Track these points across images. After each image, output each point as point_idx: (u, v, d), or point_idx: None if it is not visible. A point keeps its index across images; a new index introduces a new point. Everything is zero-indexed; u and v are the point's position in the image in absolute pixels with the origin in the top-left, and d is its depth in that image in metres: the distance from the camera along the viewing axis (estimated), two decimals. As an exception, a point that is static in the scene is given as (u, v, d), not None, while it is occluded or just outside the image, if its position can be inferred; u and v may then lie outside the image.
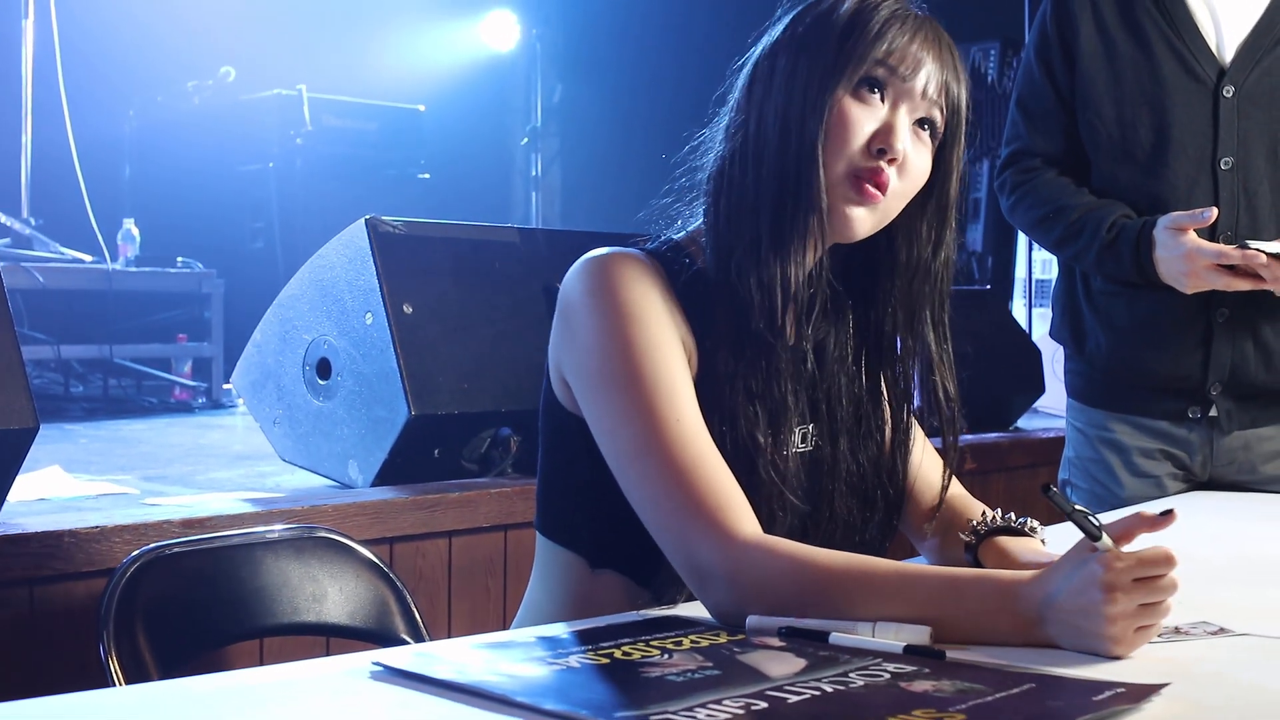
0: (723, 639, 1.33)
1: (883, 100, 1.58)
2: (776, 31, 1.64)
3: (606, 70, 9.21)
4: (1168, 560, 1.27)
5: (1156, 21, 2.57)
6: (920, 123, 1.60)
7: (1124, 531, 1.34)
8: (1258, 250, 2.39)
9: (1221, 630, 1.37)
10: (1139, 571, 1.27)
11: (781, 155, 1.57)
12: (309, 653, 2.40)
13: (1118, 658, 1.26)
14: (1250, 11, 2.56)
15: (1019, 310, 6.99)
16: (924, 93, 1.58)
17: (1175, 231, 2.43)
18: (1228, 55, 2.55)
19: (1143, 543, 1.32)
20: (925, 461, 1.79)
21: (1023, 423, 4.83)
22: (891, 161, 1.57)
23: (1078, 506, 1.31)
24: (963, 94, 1.62)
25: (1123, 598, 1.26)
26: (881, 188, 1.57)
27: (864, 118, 1.56)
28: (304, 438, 3.18)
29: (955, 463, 1.74)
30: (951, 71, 1.60)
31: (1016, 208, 2.69)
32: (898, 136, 1.56)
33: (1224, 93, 2.52)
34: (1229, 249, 2.41)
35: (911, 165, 1.59)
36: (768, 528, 1.52)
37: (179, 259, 5.99)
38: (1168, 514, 1.34)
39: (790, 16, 1.64)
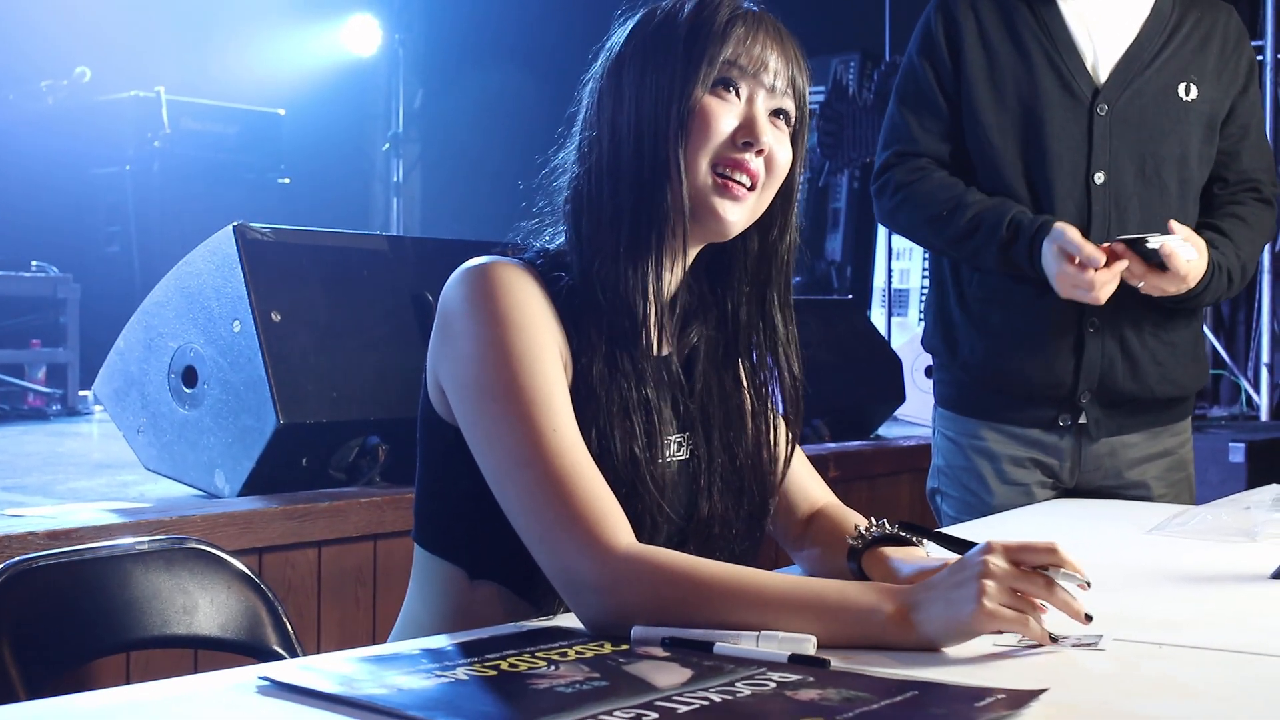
0: (607, 649, 1.33)
1: (738, 97, 1.61)
2: (617, 46, 1.66)
3: (468, 76, 9.20)
4: (1049, 550, 1.34)
5: (1037, 36, 2.63)
6: (775, 114, 1.64)
7: None
8: (1118, 241, 2.45)
9: (1095, 637, 1.40)
10: (1018, 555, 1.34)
11: (637, 166, 1.60)
12: (176, 665, 2.36)
13: (980, 630, 1.32)
14: (1124, 33, 2.63)
15: (878, 319, 7.09)
16: (774, 86, 1.62)
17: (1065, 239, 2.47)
18: (1103, 74, 2.61)
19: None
20: (794, 464, 1.81)
21: (884, 430, 4.90)
22: (759, 154, 1.60)
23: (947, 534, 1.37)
24: (806, 84, 1.67)
25: (999, 578, 1.32)
26: (753, 178, 1.61)
27: (725, 113, 1.60)
28: (169, 446, 3.13)
29: (798, 439, 1.79)
30: (796, 63, 1.65)
31: (901, 208, 2.69)
32: (761, 129, 1.60)
33: (1098, 110, 2.59)
34: (1090, 248, 2.45)
35: (778, 157, 1.63)
36: (649, 539, 1.53)
37: (33, 263, 5.87)
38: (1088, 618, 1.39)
39: (629, 30, 1.66)
